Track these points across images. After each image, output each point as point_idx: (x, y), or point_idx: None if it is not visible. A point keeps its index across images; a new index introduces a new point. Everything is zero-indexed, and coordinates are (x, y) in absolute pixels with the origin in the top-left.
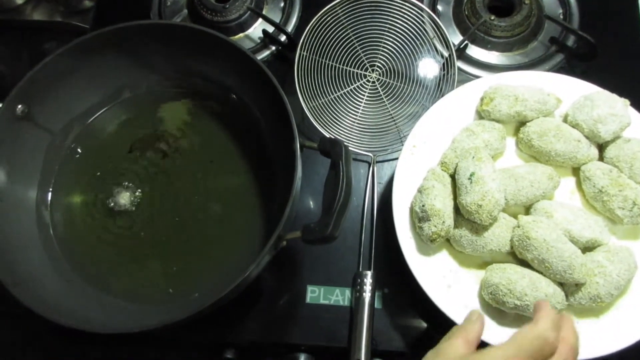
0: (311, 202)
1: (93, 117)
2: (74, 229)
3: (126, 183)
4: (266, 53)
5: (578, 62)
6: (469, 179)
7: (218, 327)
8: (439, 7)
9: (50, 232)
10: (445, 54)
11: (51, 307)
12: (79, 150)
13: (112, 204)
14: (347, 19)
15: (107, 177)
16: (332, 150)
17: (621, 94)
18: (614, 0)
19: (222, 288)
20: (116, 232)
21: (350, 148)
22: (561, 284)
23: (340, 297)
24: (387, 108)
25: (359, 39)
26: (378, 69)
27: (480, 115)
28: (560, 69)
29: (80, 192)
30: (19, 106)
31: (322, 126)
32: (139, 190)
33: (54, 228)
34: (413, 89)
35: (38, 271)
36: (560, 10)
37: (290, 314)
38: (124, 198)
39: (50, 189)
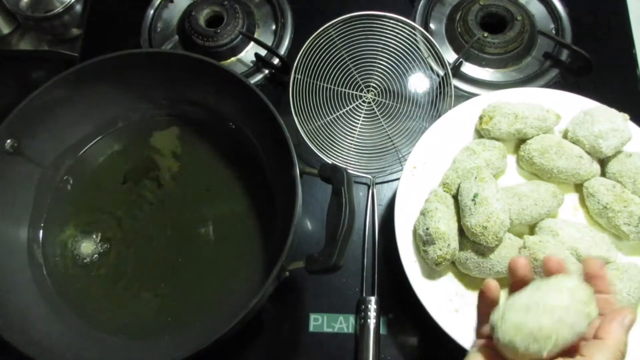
0: (309, 226)
1: (85, 149)
2: (68, 266)
3: (121, 215)
4: (259, 77)
5: (573, 77)
6: (473, 200)
7: (219, 359)
8: (432, 26)
9: (43, 270)
10: (441, 72)
11: (46, 349)
12: (71, 183)
13: (107, 237)
14: (340, 40)
15: (101, 210)
16: (334, 176)
17: (617, 107)
18: (605, 14)
19: (224, 319)
20: (112, 266)
21: (348, 170)
22: None
23: (344, 324)
24: (384, 128)
25: (353, 59)
26: (373, 89)
27: (480, 133)
28: (556, 84)
29: (73, 227)
30: (8, 141)
31: (319, 149)
32: (134, 221)
33: (47, 267)
34: (409, 108)
35: (31, 313)
36: (552, 25)
37: (293, 343)
38: (119, 230)
39: (42, 226)
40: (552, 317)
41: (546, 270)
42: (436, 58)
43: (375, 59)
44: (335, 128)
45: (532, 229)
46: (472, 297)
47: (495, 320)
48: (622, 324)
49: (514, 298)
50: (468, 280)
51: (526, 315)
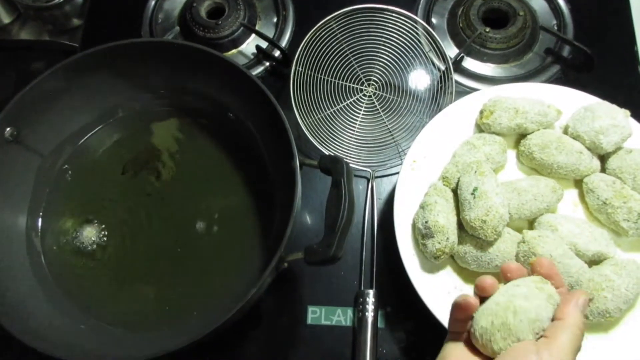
0: (308, 218)
1: (85, 138)
2: (66, 256)
3: (120, 205)
4: (260, 69)
5: (574, 73)
6: (472, 194)
7: (216, 352)
8: (434, 20)
9: (42, 259)
10: (442, 67)
11: (44, 339)
12: (70, 172)
13: (105, 227)
14: (342, 33)
15: (100, 200)
16: (333, 168)
17: (618, 103)
18: (608, 11)
19: (222, 310)
20: (110, 256)
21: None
22: None
23: (342, 317)
24: (385, 122)
25: (354, 53)
26: (374, 83)
27: (480, 128)
28: (557, 80)
29: (72, 216)
30: (8, 129)
31: (318, 142)
32: (133, 211)
33: (45, 255)
34: (410, 102)
35: (29, 301)
36: (555, 21)
37: (290, 336)
38: (118, 221)
39: (41, 214)
40: (521, 305)
41: (536, 272)
42: (437, 52)
43: (377, 52)
44: (336, 121)
45: (531, 224)
46: (471, 291)
47: (474, 323)
48: (577, 304)
49: (487, 302)
50: (466, 274)
51: (497, 311)
